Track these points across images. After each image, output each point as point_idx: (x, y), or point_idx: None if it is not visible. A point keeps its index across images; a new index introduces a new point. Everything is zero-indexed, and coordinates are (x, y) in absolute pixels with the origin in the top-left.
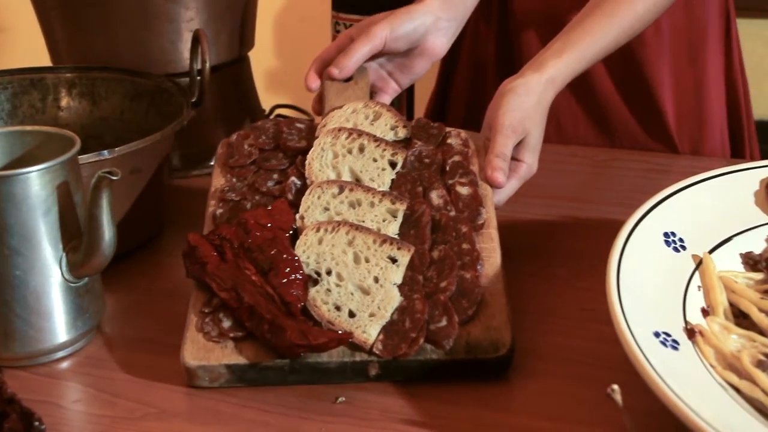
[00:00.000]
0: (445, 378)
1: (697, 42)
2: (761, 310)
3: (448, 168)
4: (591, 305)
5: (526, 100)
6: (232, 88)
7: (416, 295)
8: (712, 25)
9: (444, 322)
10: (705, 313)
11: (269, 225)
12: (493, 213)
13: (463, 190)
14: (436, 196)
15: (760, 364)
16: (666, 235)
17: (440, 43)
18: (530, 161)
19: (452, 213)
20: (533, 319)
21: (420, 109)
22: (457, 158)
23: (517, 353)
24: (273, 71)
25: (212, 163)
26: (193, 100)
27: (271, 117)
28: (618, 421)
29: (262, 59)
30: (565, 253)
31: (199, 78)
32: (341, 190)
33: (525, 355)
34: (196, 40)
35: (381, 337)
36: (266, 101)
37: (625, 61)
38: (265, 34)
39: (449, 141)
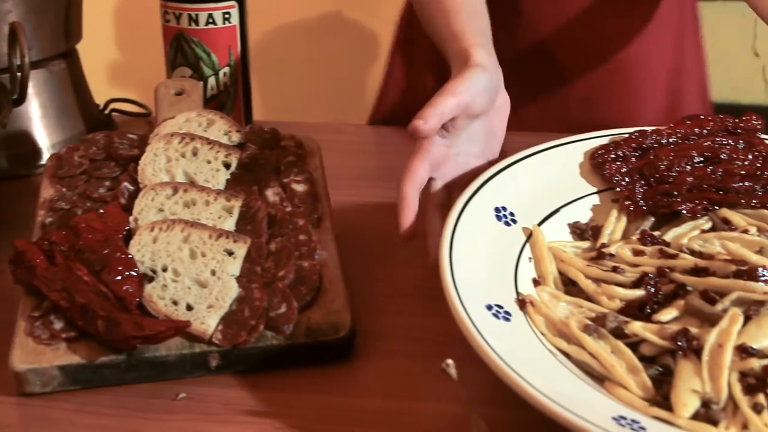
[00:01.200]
0: (288, 365)
1: (681, 26)
2: (588, 276)
3: (282, 168)
4: (431, 283)
5: None
6: (60, 83)
7: (254, 284)
8: (689, 7)
9: (283, 309)
10: (536, 283)
11: (101, 228)
12: (328, 207)
13: (299, 187)
14: (271, 194)
15: (586, 329)
16: (497, 210)
17: (506, 97)
18: None
19: (288, 209)
20: (375, 301)
21: (260, 114)
22: (291, 158)
23: (360, 335)
24: (108, 64)
25: (42, 163)
26: (14, 97)
27: (106, 111)
28: (458, 395)
29: (93, 52)
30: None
31: (19, 74)
32: (175, 191)
33: (368, 336)
34: (13, 34)
35: (220, 327)
36: (103, 95)
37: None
38: (96, 26)
39: (283, 144)
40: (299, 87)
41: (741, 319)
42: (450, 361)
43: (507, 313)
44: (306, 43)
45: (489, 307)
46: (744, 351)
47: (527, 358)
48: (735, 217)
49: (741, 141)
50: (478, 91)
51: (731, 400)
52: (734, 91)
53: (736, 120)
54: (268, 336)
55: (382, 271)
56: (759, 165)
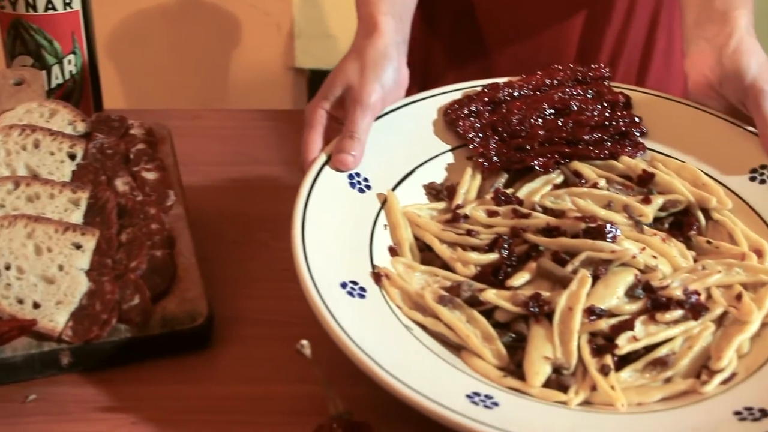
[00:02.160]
0: (145, 358)
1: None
2: (443, 241)
3: (132, 156)
4: (290, 265)
5: None
6: None
7: (105, 277)
8: None
9: (137, 300)
10: (392, 251)
11: None
12: (180, 194)
13: (150, 176)
14: (121, 183)
15: (441, 300)
16: (351, 177)
17: (406, 69)
18: None
19: (139, 198)
20: (235, 286)
21: (119, 101)
22: (141, 146)
23: (218, 322)
24: None
25: None
26: None
27: None
28: (315, 375)
29: None
30: (266, 216)
31: None
32: (17, 185)
33: (226, 323)
34: None
35: (70, 323)
36: None
37: None
38: None
39: (132, 132)
40: (159, 72)
41: (589, 281)
42: (305, 342)
43: (362, 289)
44: (165, 28)
45: (343, 285)
46: (592, 313)
47: (380, 338)
48: (585, 169)
49: (591, 90)
50: (389, 87)
51: (581, 363)
52: None
53: (585, 69)
54: (121, 329)
55: (239, 255)
56: (608, 114)
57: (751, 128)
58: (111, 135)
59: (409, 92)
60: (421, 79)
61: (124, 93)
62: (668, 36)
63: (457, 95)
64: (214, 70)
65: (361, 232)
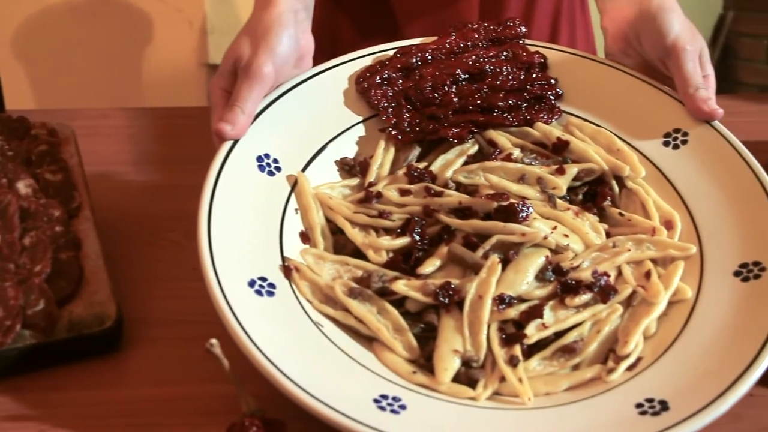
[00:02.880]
0: (53, 363)
1: None
2: (354, 224)
3: (34, 158)
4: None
5: None
6: None
7: (8, 282)
8: None
9: (41, 305)
10: (304, 237)
11: None
12: (86, 195)
13: (53, 177)
14: (23, 186)
15: (351, 293)
16: (259, 159)
17: (309, 36)
18: None
19: (42, 200)
20: (145, 287)
21: (20, 102)
22: (44, 147)
23: (129, 324)
24: None
25: None
26: None
27: None
28: (227, 374)
29: None
30: (177, 215)
31: None
32: None
33: (137, 324)
34: None
35: None
36: None
37: None
38: None
39: (34, 133)
40: (69, 72)
41: (499, 268)
42: (214, 341)
43: (271, 285)
44: (74, 25)
45: (251, 284)
46: (502, 301)
47: (287, 340)
48: (500, 138)
49: (506, 52)
50: (284, 59)
51: (490, 354)
52: None
53: (501, 27)
54: (26, 335)
55: (149, 255)
56: (523, 77)
57: (666, 89)
58: (11, 137)
59: (318, 63)
60: (330, 55)
61: (33, 93)
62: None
63: (368, 61)
64: (127, 69)
65: (272, 219)
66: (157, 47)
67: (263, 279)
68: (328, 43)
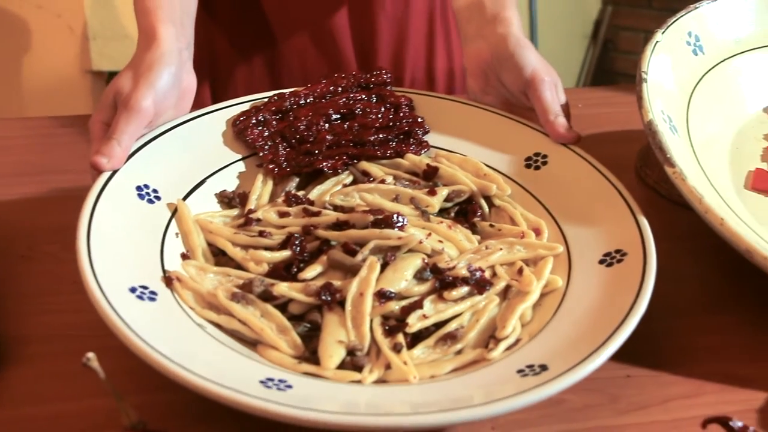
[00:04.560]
0: None
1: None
2: (236, 244)
3: None
4: (80, 277)
5: None
6: None
7: None
8: None
9: None
10: (186, 258)
11: None
12: None
13: None
14: None
15: (234, 297)
16: (139, 188)
17: (192, 77)
18: None
19: None
20: (23, 302)
21: None
22: None
23: (7, 342)
24: None
25: None
26: None
27: None
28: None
29: None
30: (56, 227)
31: None
32: None
33: (16, 341)
34: None
35: None
36: None
37: None
38: None
39: None
40: None
41: (378, 267)
42: (90, 355)
43: (153, 293)
44: None
45: (133, 290)
46: (383, 296)
47: (173, 337)
48: (373, 168)
49: (374, 95)
50: (164, 93)
51: (375, 344)
52: None
53: (368, 75)
54: None
55: (27, 270)
56: (391, 117)
57: (522, 120)
58: None
59: (199, 86)
60: (209, 69)
61: None
62: (446, 32)
63: (246, 107)
64: (6, 77)
65: (152, 240)
66: (38, 55)
67: (144, 287)
68: (208, 57)
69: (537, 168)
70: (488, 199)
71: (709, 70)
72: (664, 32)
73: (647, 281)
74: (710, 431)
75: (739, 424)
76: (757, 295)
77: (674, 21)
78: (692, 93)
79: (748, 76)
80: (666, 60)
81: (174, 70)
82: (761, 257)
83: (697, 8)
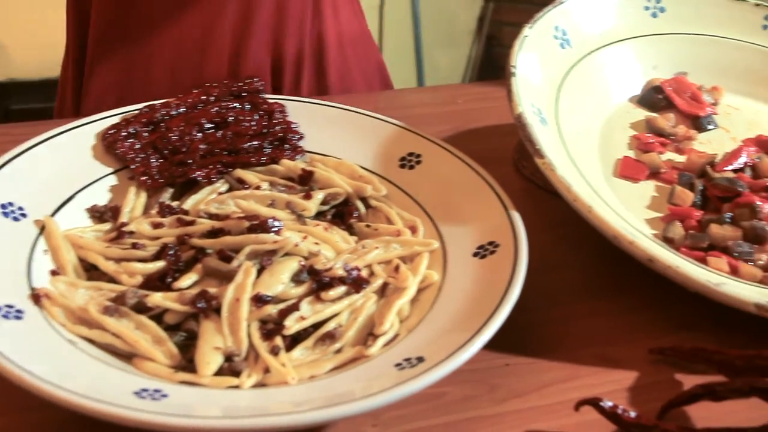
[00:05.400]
0: None
1: None
2: (108, 258)
3: None
4: None
5: None
6: None
7: None
8: None
9: None
10: (55, 274)
11: None
12: None
13: None
14: None
15: (106, 311)
16: (3, 206)
17: None
18: None
19: None
20: None
21: None
22: None
23: None
24: None
25: None
26: None
27: None
28: None
29: None
30: None
31: None
32: None
33: None
34: None
35: None
36: None
37: None
38: None
39: None
40: None
41: (254, 271)
42: None
43: (19, 311)
44: None
45: None
46: (259, 300)
47: (42, 354)
48: (248, 175)
49: (247, 103)
50: None
51: (253, 348)
52: None
53: (240, 84)
54: None
55: None
56: (265, 123)
57: (396, 121)
58: None
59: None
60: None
61: None
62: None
63: (116, 120)
64: None
65: (17, 258)
66: None
67: (10, 306)
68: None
69: (411, 167)
70: (364, 200)
71: (577, 62)
72: (532, 27)
73: (518, 270)
74: (583, 413)
75: (609, 403)
76: (628, 279)
77: (542, 16)
78: (561, 85)
79: (614, 68)
80: (534, 54)
81: None
82: (627, 242)
83: (563, 3)
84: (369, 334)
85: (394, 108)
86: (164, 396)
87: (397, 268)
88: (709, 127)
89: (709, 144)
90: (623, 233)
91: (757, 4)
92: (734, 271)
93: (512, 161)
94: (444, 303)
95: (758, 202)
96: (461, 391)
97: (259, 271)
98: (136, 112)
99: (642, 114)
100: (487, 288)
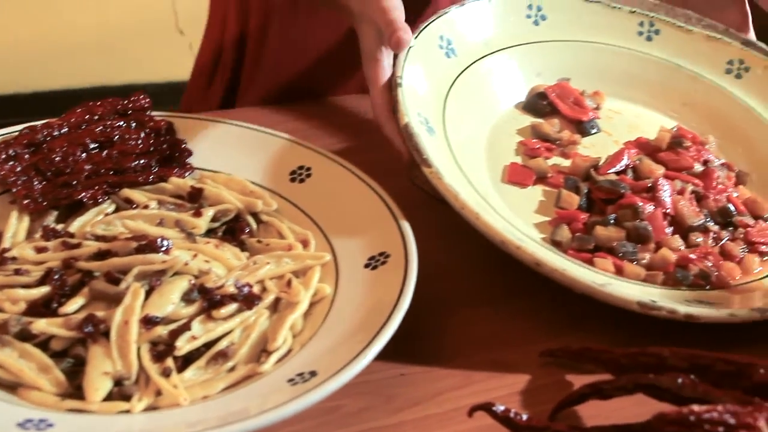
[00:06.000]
0: None
1: None
2: None
3: None
4: None
5: None
6: None
7: None
8: None
9: None
10: None
11: None
12: None
13: None
14: None
15: None
16: None
17: None
18: None
19: None
20: None
21: None
22: None
23: None
24: None
25: None
26: None
27: None
28: None
29: None
30: None
31: None
32: None
33: None
34: None
35: None
36: None
37: None
38: None
39: None
40: None
41: (142, 292)
42: None
43: None
44: None
45: None
46: (149, 322)
47: None
48: (136, 195)
49: (132, 121)
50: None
51: (143, 371)
52: (169, 70)
53: (125, 101)
54: None
55: None
56: (152, 141)
57: (285, 135)
58: None
59: None
60: None
61: None
62: None
63: None
64: None
65: None
66: None
67: None
68: None
69: (302, 181)
70: (255, 215)
71: (463, 71)
72: (416, 37)
73: (409, 279)
74: (477, 418)
75: (501, 408)
76: (519, 284)
77: (426, 26)
78: (447, 94)
79: (499, 76)
80: (420, 65)
81: None
82: (514, 247)
83: (446, 12)
84: (262, 351)
85: (286, 121)
86: (50, 425)
87: (289, 283)
88: (592, 131)
89: (593, 147)
90: (510, 239)
91: (632, 12)
92: (619, 271)
93: (405, 171)
94: (336, 316)
95: (640, 203)
96: (357, 403)
97: (149, 292)
98: (16, 133)
99: (528, 120)
100: (379, 299)
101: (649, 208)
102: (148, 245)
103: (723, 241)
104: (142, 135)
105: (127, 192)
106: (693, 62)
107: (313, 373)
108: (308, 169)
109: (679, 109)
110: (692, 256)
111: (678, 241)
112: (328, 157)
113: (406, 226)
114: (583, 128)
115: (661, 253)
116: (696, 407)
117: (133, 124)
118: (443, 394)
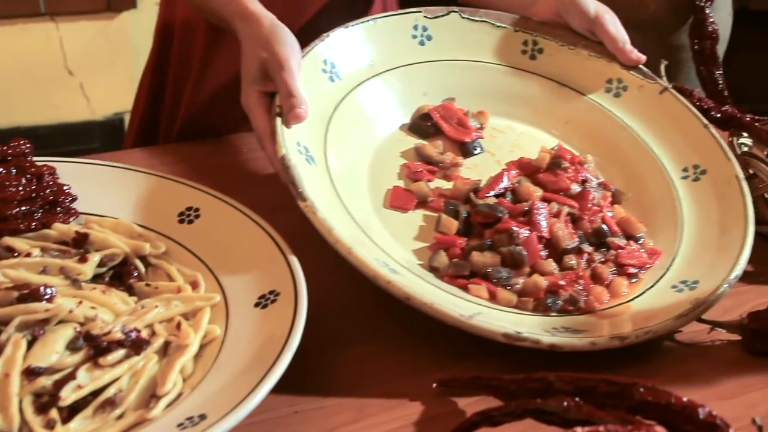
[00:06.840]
0: None
1: None
2: None
3: None
4: None
5: None
6: None
7: None
8: None
9: None
10: None
11: None
12: None
13: None
14: None
15: None
16: None
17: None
18: None
19: None
20: None
21: None
22: None
23: None
24: None
25: None
26: None
27: None
28: None
29: None
30: None
31: None
32: None
33: None
34: None
35: None
36: None
37: None
38: None
39: None
40: None
41: (24, 343)
42: None
43: None
44: None
45: None
46: (32, 373)
47: None
48: (17, 242)
49: (13, 167)
50: (296, 49)
51: (27, 425)
52: (59, 111)
53: (5, 147)
54: None
55: None
56: (33, 187)
57: (172, 177)
58: None
59: None
60: None
61: None
62: None
63: None
64: None
65: None
66: None
67: None
68: None
69: (191, 222)
70: (144, 258)
71: (347, 94)
72: None
73: (298, 317)
74: None
75: None
76: (411, 315)
77: (309, 50)
78: (330, 119)
79: (385, 97)
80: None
81: (287, 30)
82: (385, 281)
83: (328, 36)
84: (152, 396)
85: (174, 162)
86: None
87: (178, 326)
88: (476, 151)
89: (476, 169)
90: (382, 273)
91: (516, 30)
92: (492, 297)
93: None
94: (227, 357)
95: (515, 228)
96: None
97: (32, 342)
98: None
99: (412, 142)
100: (270, 337)
101: (525, 232)
102: (30, 294)
103: (595, 263)
104: (23, 181)
105: (8, 240)
106: (575, 81)
107: (202, 417)
108: (196, 209)
109: (562, 127)
110: (562, 282)
111: (552, 265)
112: (216, 196)
113: (296, 263)
114: (466, 149)
115: (533, 278)
116: (579, 429)
117: (14, 171)
118: (337, 429)
